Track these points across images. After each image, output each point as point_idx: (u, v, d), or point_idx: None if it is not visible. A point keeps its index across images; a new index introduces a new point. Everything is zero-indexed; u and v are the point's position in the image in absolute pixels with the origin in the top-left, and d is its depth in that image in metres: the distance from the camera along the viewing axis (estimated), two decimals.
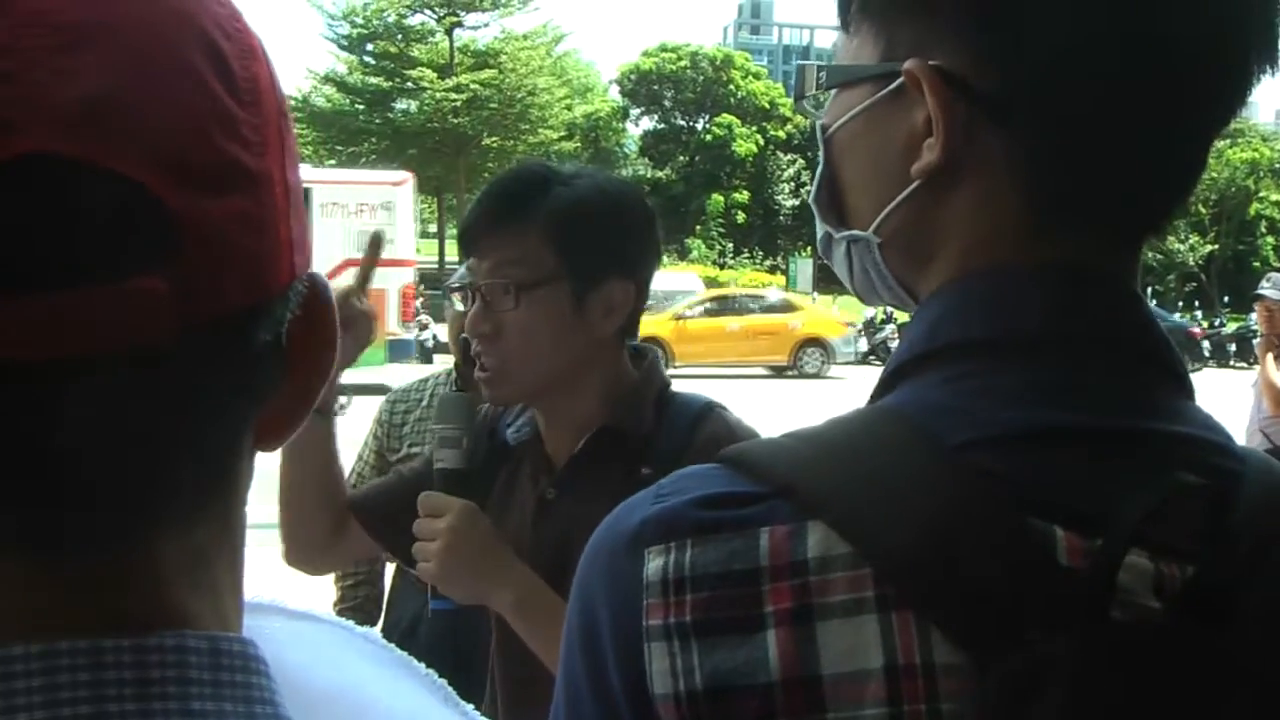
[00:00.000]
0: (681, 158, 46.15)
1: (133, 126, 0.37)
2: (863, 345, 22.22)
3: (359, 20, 35.45)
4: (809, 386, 17.60)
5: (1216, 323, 27.98)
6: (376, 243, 1.69)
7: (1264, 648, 0.55)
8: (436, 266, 31.98)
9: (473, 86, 33.53)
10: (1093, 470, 0.58)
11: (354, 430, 2.29)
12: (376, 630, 0.63)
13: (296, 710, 0.43)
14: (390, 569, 2.97)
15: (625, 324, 1.53)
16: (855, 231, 0.69)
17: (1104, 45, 0.59)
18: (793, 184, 44.55)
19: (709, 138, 45.55)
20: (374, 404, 2.86)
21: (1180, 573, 0.56)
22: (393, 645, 0.58)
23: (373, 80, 35.65)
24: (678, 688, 0.57)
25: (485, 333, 1.50)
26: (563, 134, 39.72)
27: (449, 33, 35.50)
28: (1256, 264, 41.90)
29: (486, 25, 36.77)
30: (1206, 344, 25.27)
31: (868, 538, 0.56)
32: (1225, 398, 6.04)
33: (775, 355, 20.29)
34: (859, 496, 0.57)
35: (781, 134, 46.04)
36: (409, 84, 34.59)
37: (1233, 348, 25.31)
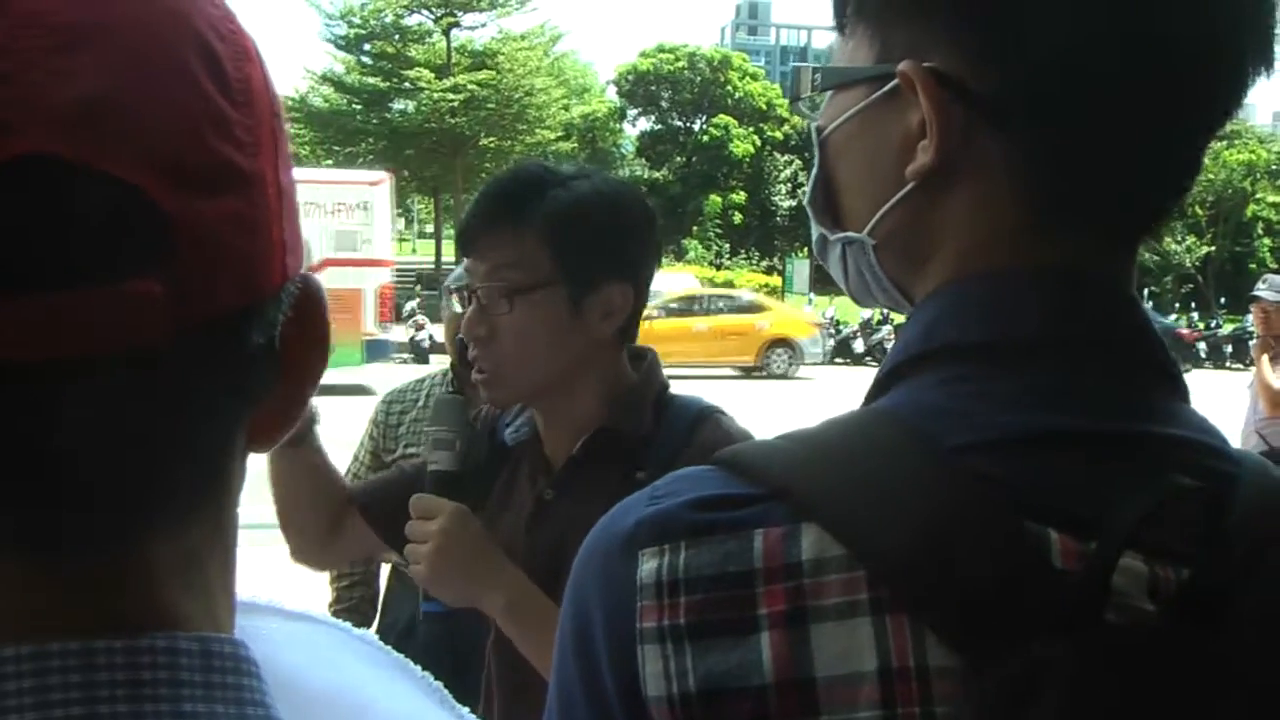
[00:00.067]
0: (678, 158, 46.13)
1: (129, 128, 0.37)
2: (830, 345, 22.28)
3: (356, 20, 35.40)
4: (777, 387, 17.59)
5: (1213, 324, 28.01)
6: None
7: (1259, 650, 0.55)
8: (433, 267, 31.98)
9: (470, 87, 33.49)
10: (1089, 473, 0.58)
11: (338, 432, 2.28)
12: (373, 631, 0.63)
13: (292, 711, 0.43)
14: (386, 570, 2.97)
15: (624, 325, 1.53)
16: (850, 233, 0.69)
17: (1104, 45, 0.59)
18: (790, 185, 44.53)
19: (706, 138, 45.54)
20: (350, 405, 2.86)
21: (1175, 575, 0.56)
22: (389, 647, 0.58)
23: (370, 80, 35.60)
24: (671, 690, 0.57)
25: (481, 336, 1.50)
26: (560, 134, 39.68)
27: (446, 33, 35.46)
28: (1253, 266, 41.90)
29: (484, 25, 36.77)
30: (1203, 345, 25.32)
31: (862, 540, 0.56)
32: (1222, 399, 6.06)
33: (743, 356, 20.20)
34: (854, 499, 0.57)
35: (779, 135, 46.01)
36: (406, 84, 34.54)
37: (1229, 349, 25.35)
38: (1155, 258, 38.81)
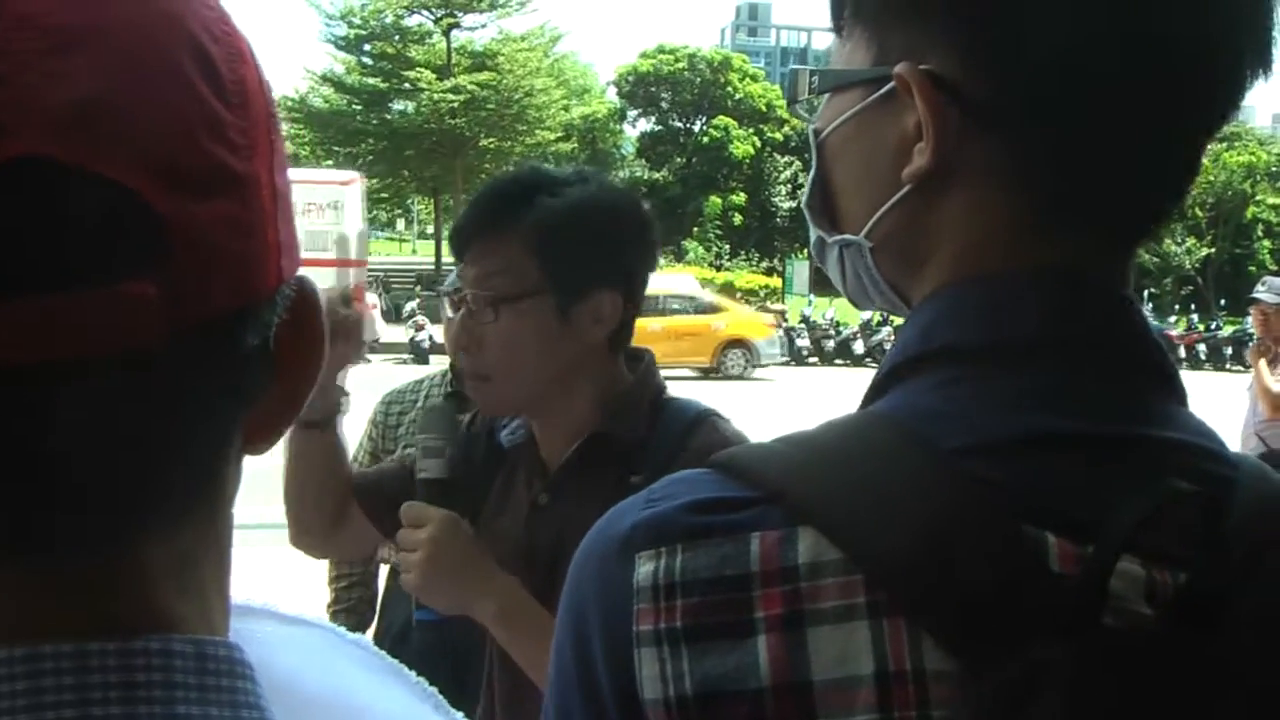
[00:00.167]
0: (678, 159, 46.14)
1: (123, 130, 0.37)
2: (787, 345, 22.29)
3: (356, 21, 35.42)
4: (733, 388, 17.43)
5: (1213, 326, 28.01)
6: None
7: (1256, 654, 0.55)
8: (433, 268, 31.97)
9: (470, 87, 33.50)
10: (1087, 477, 0.58)
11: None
12: (368, 636, 0.63)
13: (287, 715, 0.43)
14: (384, 571, 2.97)
15: (617, 329, 1.52)
16: (847, 236, 0.69)
17: (1104, 45, 0.59)
18: (790, 186, 44.53)
19: (706, 139, 45.55)
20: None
21: (1173, 579, 0.56)
22: (383, 652, 0.58)
23: (370, 81, 35.60)
24: (668, 693, 0.56)
25: (468, 344, 1.49)
26: (560, 135, 39.68)
27: (446, 34, 35.47)
28: (1253, 267, 41.89)
29: (484, 26, 36.78)
30: (1203, 347, 25.32)
31: (859, 543, 0.56)
32: (1221, 401, 6.06)
33: (698, 357, 19.98)
34: (850, 502, 0.57)
35: (779, 136, 46.03)
36: (406, 85, 34.55)
37: (1229, 351, 25.35)
38: (1155, 259, 38.85)
